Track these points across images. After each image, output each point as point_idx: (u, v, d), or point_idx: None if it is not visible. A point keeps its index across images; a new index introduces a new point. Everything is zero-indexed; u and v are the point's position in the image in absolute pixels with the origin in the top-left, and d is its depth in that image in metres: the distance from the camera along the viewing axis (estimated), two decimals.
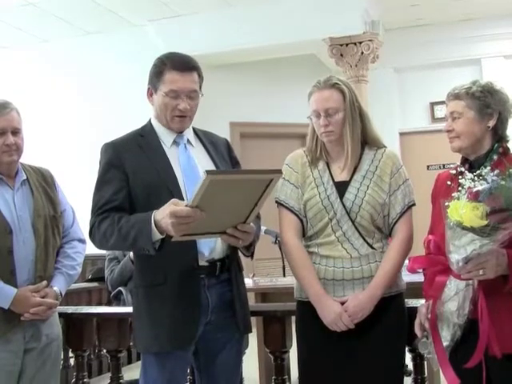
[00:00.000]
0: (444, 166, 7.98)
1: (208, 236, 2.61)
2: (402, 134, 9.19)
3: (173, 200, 2.46)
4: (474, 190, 2.27)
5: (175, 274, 2.64)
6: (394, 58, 8.70)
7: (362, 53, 7.82)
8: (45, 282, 3.07)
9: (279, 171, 2.50)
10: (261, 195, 2.44)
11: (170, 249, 2.52)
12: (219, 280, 2.74)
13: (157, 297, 2.67)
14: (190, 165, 2.77)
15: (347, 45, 7.86)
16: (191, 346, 2.72)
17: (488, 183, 2.27)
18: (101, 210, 2.67)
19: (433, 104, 8.97)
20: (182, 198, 2.62)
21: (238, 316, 2.77)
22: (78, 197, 4.14)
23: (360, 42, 7.83)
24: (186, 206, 2.37)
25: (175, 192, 2.66)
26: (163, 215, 2.42)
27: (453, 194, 2.34)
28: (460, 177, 2.45)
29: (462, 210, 2.24)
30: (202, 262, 2.68)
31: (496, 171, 2.31)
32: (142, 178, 2.69)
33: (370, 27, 7.90)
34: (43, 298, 3.03)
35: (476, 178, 2.33)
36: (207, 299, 2.70)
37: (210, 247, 2.70)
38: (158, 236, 2.49)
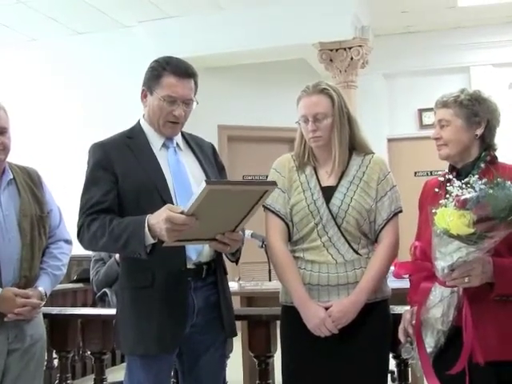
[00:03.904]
0: (431, 172, 7.99)
1: (198, 242, 2.62)
2: (390, 140, 9.19)
3: (168, 205, 2.45)
4: (462, 197, 2.27)
5: (163, 276, 2.64)
6: (383, 63, 8.69)
7: (352, 58, 7.81)
8: (31, 293, 3.05)
9: (274, 183, 2.51)
10: (253, 205, 2.45)
11: (158, 251, 2.51)
12: (205, 283, 2.74)
13: (143, 299, 2.66)
14: (180, 168, 2.77)
15: (337, 50, 7.84)
16: (176, 349, 2.71)
17: (476, 191, 2.27)
18: (90, 211, 2.65)
19: (421, 111, 8.96)
20: (171, 201, 2.63)
21: (223, 319, 2.76)
22: (67, 197, 4.11)
23: (350, 48, 7.82)
24: (182, 212, 2.36)
25: (165, 194, 2.66)
26: (158, 220, 2.41)
27: (440, 201, 2.33)
28: (448, 184, 2.45)
29: (449, 217, 2.24)
30: (190, 265, 2.68)
31: (484, 180, 2.32)
32: (132, 179, 2.68)
33: (360, 33, 7.90)
34: (28, 298, 3.01)
35: (464, 186, 2.33)
36: (193, 301, 2.69)
37: (198, 250, 2.70)
38: (150, 240, 2.48)
